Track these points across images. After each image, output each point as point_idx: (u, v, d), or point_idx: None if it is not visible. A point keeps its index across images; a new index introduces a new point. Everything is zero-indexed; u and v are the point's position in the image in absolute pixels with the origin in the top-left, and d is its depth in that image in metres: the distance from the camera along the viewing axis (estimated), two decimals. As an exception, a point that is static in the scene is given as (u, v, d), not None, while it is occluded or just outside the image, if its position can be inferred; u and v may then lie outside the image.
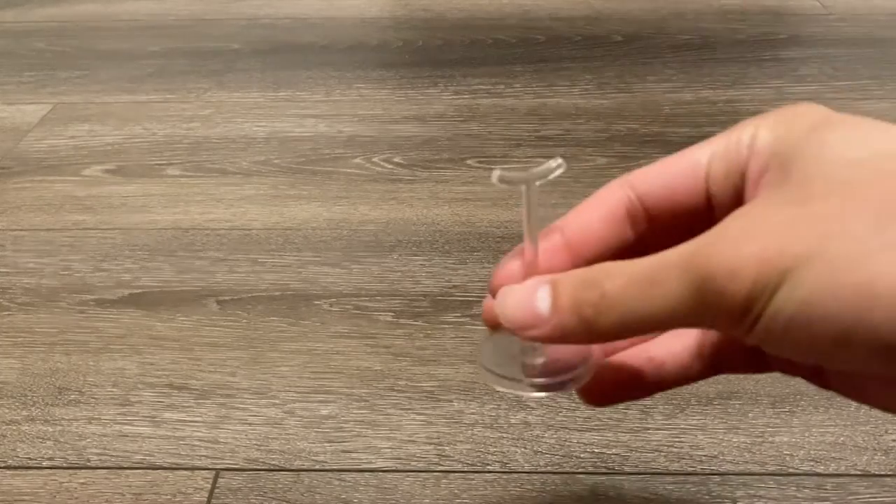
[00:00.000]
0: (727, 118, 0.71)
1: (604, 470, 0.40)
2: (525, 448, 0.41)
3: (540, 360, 0.24)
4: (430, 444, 0.41)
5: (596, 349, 0.24)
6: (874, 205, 0.18)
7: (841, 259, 0.17)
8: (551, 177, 0.22)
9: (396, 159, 0.66)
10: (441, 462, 0.40)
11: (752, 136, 0.21)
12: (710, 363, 0.25)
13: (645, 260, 0.20)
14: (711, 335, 0.25)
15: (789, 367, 0.24)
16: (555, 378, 0.23)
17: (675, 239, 0.23)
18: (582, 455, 0.40)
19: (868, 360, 0.18)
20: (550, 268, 0.23)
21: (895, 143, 0.19)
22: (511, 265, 0.24)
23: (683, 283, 0.19)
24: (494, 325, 0.23)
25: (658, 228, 0.24)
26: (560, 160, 0.22)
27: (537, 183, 0.22)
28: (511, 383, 0.23)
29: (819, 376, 0.23)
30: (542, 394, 0.23)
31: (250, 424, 0.43)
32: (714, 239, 0.19)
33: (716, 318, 0.19)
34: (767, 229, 0.18)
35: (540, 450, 0.41)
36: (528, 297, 0.21)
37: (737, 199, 0.22)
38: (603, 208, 0.24)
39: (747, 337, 0.19)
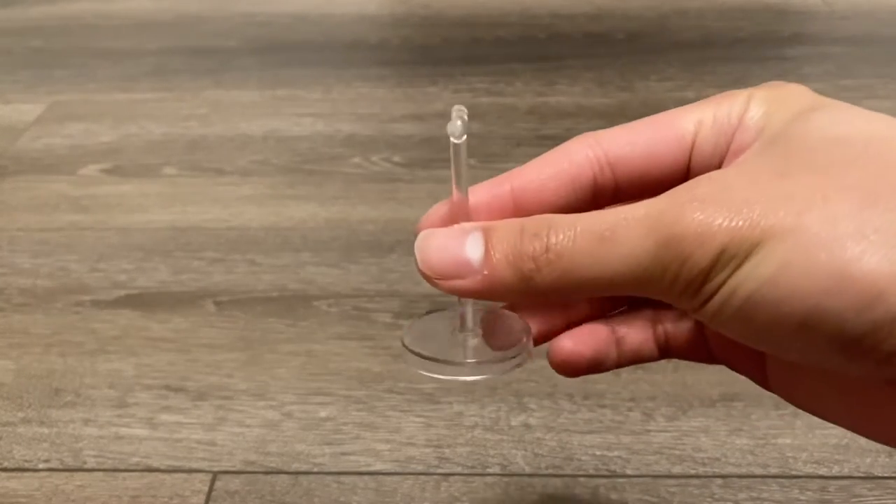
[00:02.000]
0: (729, 116, 0.70)
1: (605, 473, 0.39)
2: (526, 450, 0.40)
3: (473, 342, 0.21)
4: (430, 446, 0.41)
5: (533, 328, 0.21)
6: (856, 187, 0.17)
7: (817, 238, 0.16)
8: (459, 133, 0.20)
9: (395, 158, 0.65)
10: (441, 465, 0.40)
11: (743, 108, 0.20)
12: (660, 344, 0.23)
13: (598, 213, 0.18)
14: (662, 313, 0.23)
15: (733, 362, 0.22)
16: (491, 358, 0.20)
17: None
18: (583, 458, 0.40)
19: (825, 349, 0.17)
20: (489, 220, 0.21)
21: (880, 126, 0.18)
22: (443, 209, 0.21)
23: (644, 244, 0.17)
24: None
25: (624, 200, 0.21)
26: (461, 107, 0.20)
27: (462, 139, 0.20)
28: (439, 366, 0.20)
29: (760, 373, 0.22)
30: (478, 377, 0.20)
31: (248, 426, 0.42)
32: (683, 200, 0.18)
33: (671, 285, 0.18)
34: (742, 197, 0.17)
35: (541, 452, 0.40)
36: (455, 241, 0.19)
37: None
38: (563, 168, 0.21)
39: (700, 311, 0.18)
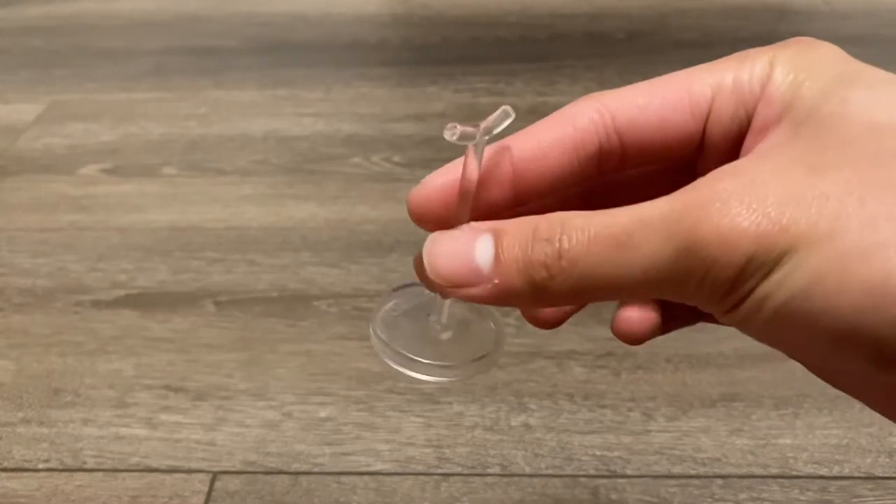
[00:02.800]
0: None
1: (605, 473, 0.39)
2: (526, 451, 0.40)
3: (446, 335, 0.20)
4: (430, 446, 0.41)
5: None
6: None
7: (854, 247, 0.15)
8: (500, 128, 0.19)
9: (396, 158, 0.65)
10: (441, 465, 0.40)
11: (766, 74, 0.18)
12: (692, 308, 0.21)
13: (613, 214, 0.17)
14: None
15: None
16: (458, 362, 0.20)
17: (648, 184, 0.20)
18: (583, 458, 0.40)
19: (862, 362, 0.16)
20: (486, 193, 0.19)
21: None
22: (438, 180, 0.19)
23: (665, 249, 0.16)
24: (424, 276, 0.19)
25: (629, 168, 0.20)
26: (509, 108, 0.19)
27: (486, 137, 0.19)
28: (407, 362, 0.19)
29: None
30: (443, 379, 0.19)
31: (248, 427, 0.42)
32: (705, 199, 0.16)
33: (696, 292, 0.17)
34: (771, 196, 0.16)
35: (541, 452, 0.40)
36: (465, 247, 0.18)
37: (736, 144, 0.19)
38: (566, 134, 0.20)
39: (726, 317, 0.17)
